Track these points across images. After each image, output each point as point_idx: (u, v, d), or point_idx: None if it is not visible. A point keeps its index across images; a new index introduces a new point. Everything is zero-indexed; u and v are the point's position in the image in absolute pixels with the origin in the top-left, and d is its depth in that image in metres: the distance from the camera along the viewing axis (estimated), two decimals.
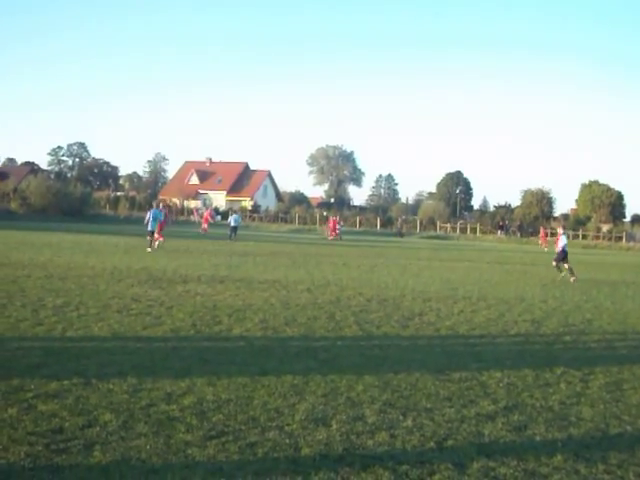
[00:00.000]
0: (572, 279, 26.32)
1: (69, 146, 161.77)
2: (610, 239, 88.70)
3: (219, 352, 10.02)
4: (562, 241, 28.46)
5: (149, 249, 31.94)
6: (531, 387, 8.87)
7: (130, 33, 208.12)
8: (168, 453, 5.92)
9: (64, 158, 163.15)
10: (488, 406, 7.84)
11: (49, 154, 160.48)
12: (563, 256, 27.66)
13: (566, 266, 27.45)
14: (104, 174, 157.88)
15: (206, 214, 62.04)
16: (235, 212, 54.08)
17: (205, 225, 57.98)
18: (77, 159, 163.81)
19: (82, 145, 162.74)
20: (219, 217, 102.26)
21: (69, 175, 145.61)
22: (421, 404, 7.78)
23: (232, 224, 49.38)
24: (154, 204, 40.75)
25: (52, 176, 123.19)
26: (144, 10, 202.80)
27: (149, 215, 34.39)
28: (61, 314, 12.38)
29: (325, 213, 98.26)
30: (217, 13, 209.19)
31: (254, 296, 16.26)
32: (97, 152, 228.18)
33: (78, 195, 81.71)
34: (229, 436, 6.41)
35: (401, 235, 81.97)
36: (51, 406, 6.95)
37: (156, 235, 34.24)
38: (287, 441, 6.37)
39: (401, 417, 7.26)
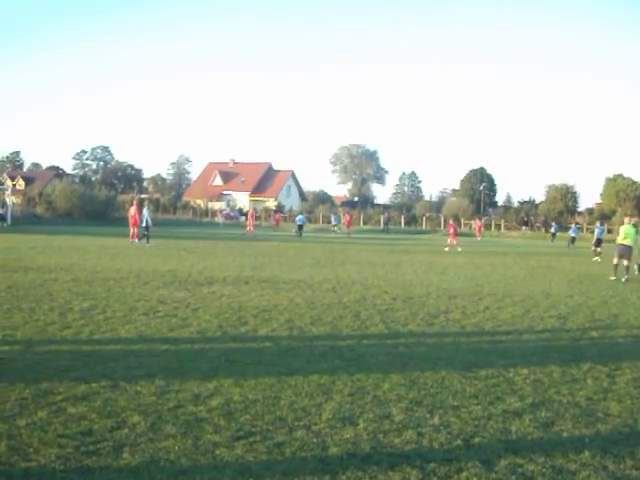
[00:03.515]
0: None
1: (93, 150, 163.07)
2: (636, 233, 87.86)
3: (246, 353, 10.06)
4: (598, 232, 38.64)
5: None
6: (558, 383, 8.84)
7: (152, 35, 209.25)
8: (196, 454, 5.96)
9: (88, 162, 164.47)
10: (515, 403, 7.83)
11: (73, 158, 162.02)
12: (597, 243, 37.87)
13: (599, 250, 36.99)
14: (128, 177, 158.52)
15: (250, 215, 62.98)
16: (300, 213, 66.72)
17: (251, 227, 58.67)
18: (101, 163, 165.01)
19: (106, 149, 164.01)
20: (243, 217, 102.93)
21: (93, 179, 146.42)
22: (448, 402, 7.78)
23: (298, 223, 59.84)
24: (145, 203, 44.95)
25: (77, 180, 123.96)
26: (167, 13, 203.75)
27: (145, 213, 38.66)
28: (88, 317, 12.48)
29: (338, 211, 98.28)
30: (237, 12, 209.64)
31: (279, 296, 16.30)
32: (121, 155, 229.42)
33: (103, 198, 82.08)
34: (257, 436, 6.44)
35: (387, 231, 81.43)
36: (80, 409, 7.02)
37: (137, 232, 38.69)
38: (314, 440, 6.40)
39: (428, 415, 7.27)
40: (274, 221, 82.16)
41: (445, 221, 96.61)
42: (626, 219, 26.08)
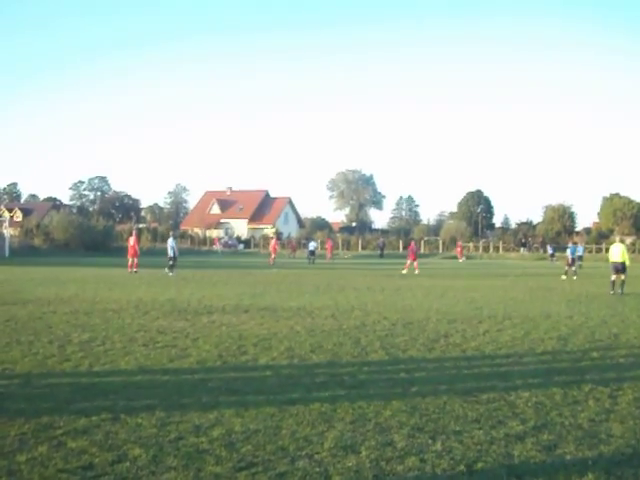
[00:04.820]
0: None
1: (90, 180, 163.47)
2: (633, 251, 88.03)
3: (246, 382, 10.03)
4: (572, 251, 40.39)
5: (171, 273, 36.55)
6: (559, 405, 8.81)
7: (148, 67, 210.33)
8: None
9: (85, 192, 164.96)
10: (517, 426, 7.80)
11: (71, 189, 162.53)
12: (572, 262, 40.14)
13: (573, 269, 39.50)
14: (125, 207, 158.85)
15: (273, 243, 61.32)
16: (312, 239, 68.75)
17: (273, 255, 57.96)
18: (98, 193, 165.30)
19: (103, 179, 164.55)
20: (242, 245, 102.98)
21: (91, 209, 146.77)
22: (450, 427, 7.75)
23: (310, 249, 61.04)
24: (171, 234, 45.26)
25: (74, 210, 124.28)
26: (160, 37, 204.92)
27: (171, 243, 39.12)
28: (87, 349, 12.45)
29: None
30: (234, 37, 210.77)
31: (279, 324, 16.27)
32: (118, 185, 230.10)
33: (100, 229, 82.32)
34: (259, 467, 6.41)
35: (381, 256, 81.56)
36: (81, 442, 6.99)
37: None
38: (317, 469, 6.36)
39: (430, 441, 7.24)
40: (290, 248, 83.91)
41: (444, 244, 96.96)
42: (617, 238, 29.32)
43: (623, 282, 27.31)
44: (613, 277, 27.66)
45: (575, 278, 38.77)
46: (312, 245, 62.75)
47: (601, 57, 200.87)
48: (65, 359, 11.48)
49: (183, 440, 7.14)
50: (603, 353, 12.91)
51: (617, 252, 28.08)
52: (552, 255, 70.76)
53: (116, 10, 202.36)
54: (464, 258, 78.47)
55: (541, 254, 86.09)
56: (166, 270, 37.36)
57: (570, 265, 40.52)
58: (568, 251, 41.98)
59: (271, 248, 60.22)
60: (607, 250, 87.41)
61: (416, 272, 42.89)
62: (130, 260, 39.12)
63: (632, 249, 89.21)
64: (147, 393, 9.16)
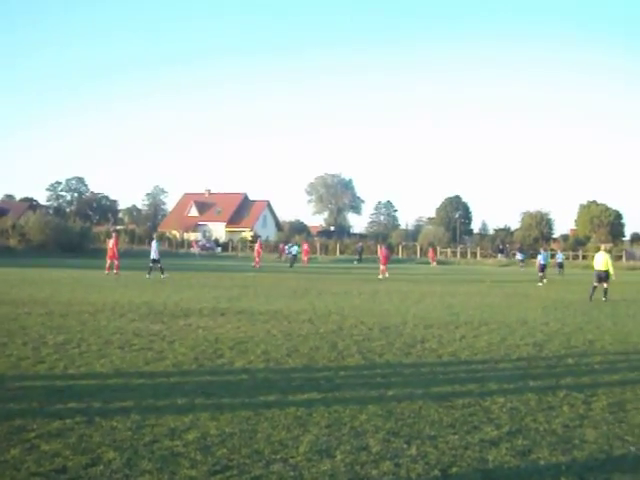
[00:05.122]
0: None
1: (67, 181, 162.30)
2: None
3: (222, 386, 10.00)
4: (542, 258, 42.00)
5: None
6: (534, 411, 8.86)
7: (122, 62, 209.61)
8: None
9: (62, 193, 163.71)
10: (492, 432, 7.83)
11: (47, 189, 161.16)
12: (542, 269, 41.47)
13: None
14: (103, 208, 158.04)
15: (257, 247, 61.27)
16: (295, 243, 68.87)
17: (257, 259, 58.15)
18: (76, 194, 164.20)
19: (80, 180, 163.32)
20: (219, 248, 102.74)
21: (68, 210, 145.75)
22: (425, 432, 7.77)
23: (292, 253, 61.54)
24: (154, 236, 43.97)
25: (51, 211, 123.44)
26: (139, 37, 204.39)
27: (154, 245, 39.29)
28: (62, 351, 12.37)
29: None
30: (210, 40, 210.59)
31: (256, 328, 16.25)
32: (96, 186, 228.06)
33: (77, 230, 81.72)
34: (234, 470, 6.39)
35: (360, 260, 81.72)
36: (54, 445, 6.94)
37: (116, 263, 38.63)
38: (292, 473, 6.35)
39: (405, 446, 7.25)
40: (280, 251, 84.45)
41: (421, 250, 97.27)
42: (602, 246, 29.78)
43: (606, 290, 27.71)
44: (595, 284, 28.01)
45: (540, 285, 39.65)
46: (294, 249, 63.02)
47: (577, 66, 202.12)
48: (39, 361, 11.40)
49: (158, 443, 7.11)
50: (578, 359, 12.98)
51: (601, 261, 28.48)
52: (522, 261, 72.00)
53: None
54: (435, 263, 79.32)
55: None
56: (160, 275, 37.04)
57: (541, 271, 41.70)
58: (539, 257, 43.46)
59: (255, 252, 60.38)
60: (584, 257, 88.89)
61: (379, 277, 43.34)
62: (109, 262, 38.83)
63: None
64: (122, 396, 9.10)
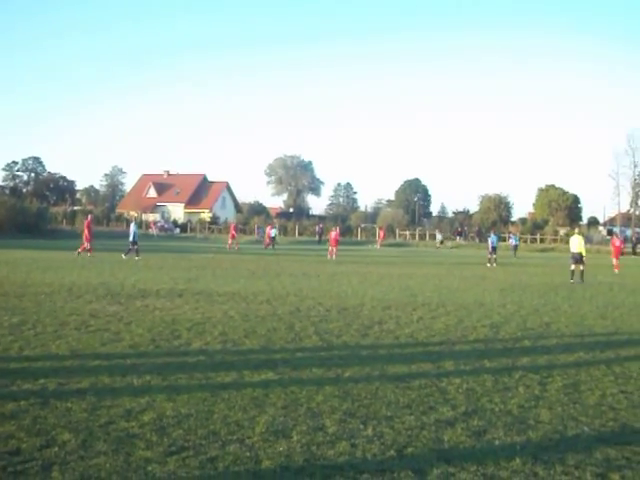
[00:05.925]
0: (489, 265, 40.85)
1: (24, 161, 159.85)
2: (567, 242, 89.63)
3: (178, 367, 9.97)
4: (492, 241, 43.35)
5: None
6: (490, 392, 8.95)
7: (87, 43, 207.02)
8: (128, 471, 5.87)
9: (19, 173, 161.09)
10: (447, 412, 7.90)
11: (3, 169, 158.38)
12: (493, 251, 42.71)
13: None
14: (60, 188, 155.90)
15: (231, 231, 62.05)
16: (274, 226, 68.47)
17: (230, 241, 59.03)
18: (32, 174, 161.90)
19: (37, 160, 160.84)
20: (178, 229, 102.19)
21: (24, 190, 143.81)
22: (381, 412, 7.81)
23: (271, 235, 61.87)
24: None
25: (7, 192, 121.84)
26: (95, 25, 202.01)
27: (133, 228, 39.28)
28: (18, 333, 12.24)
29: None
30: (172, 16, 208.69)
31: (213, 309, 16.21)
32: (53, 167, 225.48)
33: (34, 210, 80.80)
34: (189, 451, 6.38)
35: (320, 242, 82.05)
36: (8, 427, 6.87)
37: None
38: (248, 454, 6.36)
39: (361, 426, 7.28)
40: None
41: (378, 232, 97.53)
42: (576, 229, 32.28)
43: (582, 272, 29.00)
44: (572, 267, 29.41)
45: (489, 265, 41.43)
46: (273, 231, 63.21)
47: (533, 49, 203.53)
48: None
49: (113, 425, 7.07)
50: (534, 341, 13.14)
51: (575, 243, 30.08)
52: (441, 242, 78.08)
53: None
54: (379, 246, 79.38)
55: (477, 243, 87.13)
56: (135, 257, 36.74)
57: (491, 253, 43.02)
58: (489, 240, 44.66)
59: (230, 234, 61.04)
60: (542, 241, 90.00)
61: (328, 257, 45.12)
62: (87, 244, 38.39)
63: (566, 239, 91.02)
64: (78, 377, 9.04)
